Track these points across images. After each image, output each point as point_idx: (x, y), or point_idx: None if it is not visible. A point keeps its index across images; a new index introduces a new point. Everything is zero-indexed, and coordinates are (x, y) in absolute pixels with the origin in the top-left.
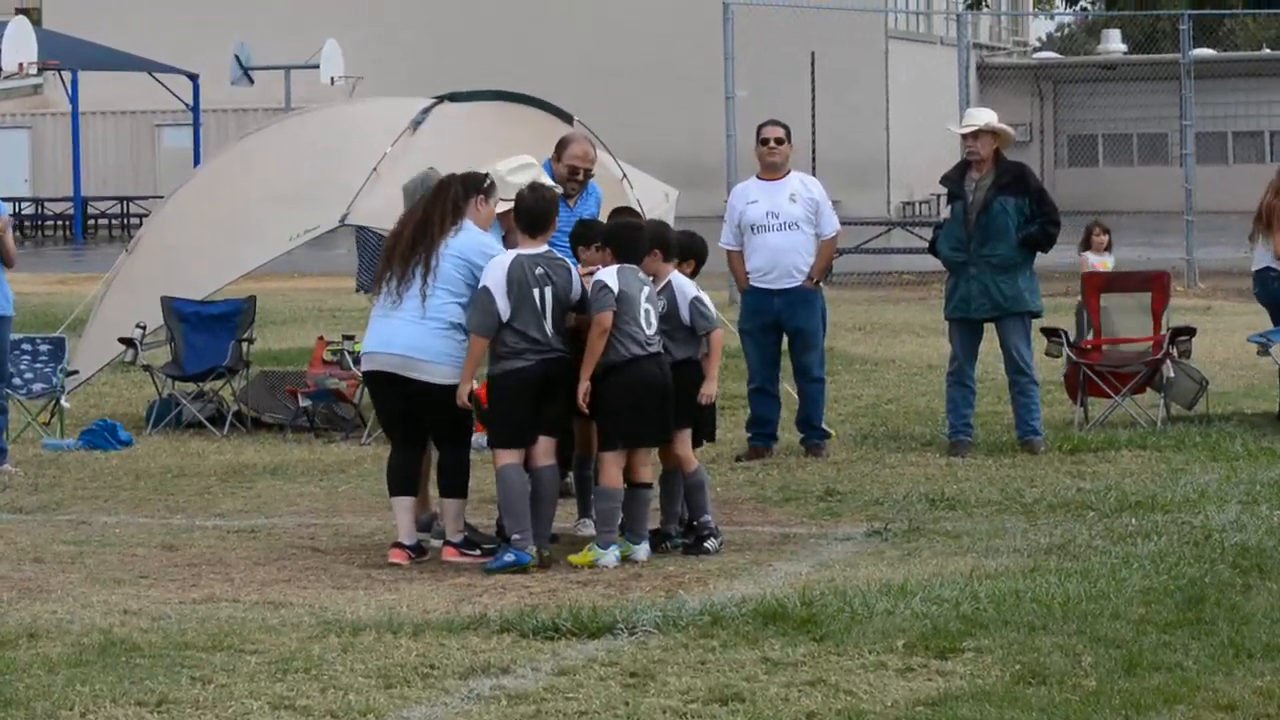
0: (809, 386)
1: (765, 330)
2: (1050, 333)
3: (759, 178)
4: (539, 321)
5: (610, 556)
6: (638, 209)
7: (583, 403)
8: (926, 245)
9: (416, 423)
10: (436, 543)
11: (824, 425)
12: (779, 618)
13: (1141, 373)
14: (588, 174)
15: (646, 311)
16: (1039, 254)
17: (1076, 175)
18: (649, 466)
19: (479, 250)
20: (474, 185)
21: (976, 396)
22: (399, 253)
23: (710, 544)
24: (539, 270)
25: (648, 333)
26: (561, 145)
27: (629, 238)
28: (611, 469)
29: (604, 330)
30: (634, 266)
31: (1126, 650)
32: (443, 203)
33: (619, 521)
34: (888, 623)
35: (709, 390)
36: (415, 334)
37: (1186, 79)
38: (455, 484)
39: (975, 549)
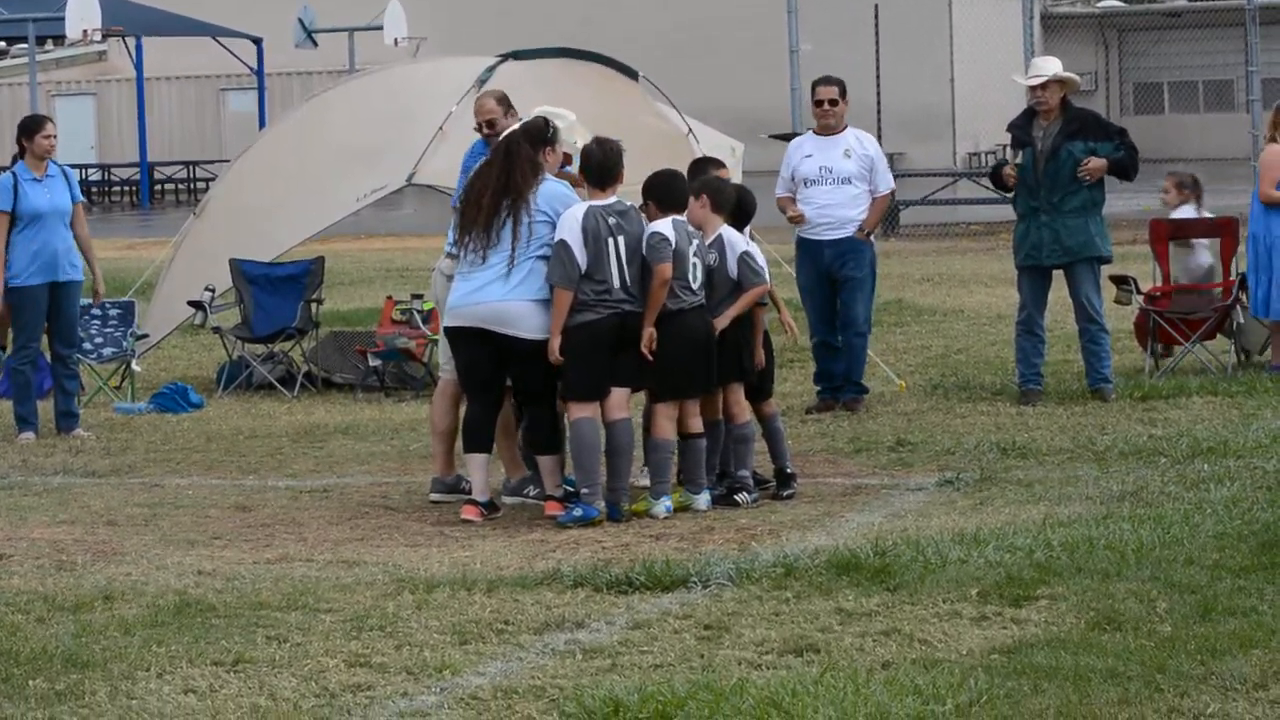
0: (852, 340)
1: (820, 283)
2: (1120, 280)
3: (815, 132)
4: (611, 272)
5: (661, 507)
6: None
7: (646, 349)
8: (989, 182)
9: (498, 379)
10: (509, 500)
11: (864, 381)
12: (852, 568)
13: (1211, 319)
14: (490, 124)
15: (694, 265)
16: (1105, 203)
17: (1142, 123)
18: (698, 417)
19: (563, 200)
20: (539, 137)
21: (1046, 346)
22: (481, 219)
23: (741, 498)
24: (612, 220)
25: (694, 286)
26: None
27: (666, 187)
28: (662, 421)
29: (665, 280)
30: (683, 219)
31: (1201, 595)
32: (520, 162)
33: (672, 472)
34: (961, 571)
35: (718, 321)
36: (503, 289)
37: (1252, 25)
38: (548, 440)
39: (1048, 497)
